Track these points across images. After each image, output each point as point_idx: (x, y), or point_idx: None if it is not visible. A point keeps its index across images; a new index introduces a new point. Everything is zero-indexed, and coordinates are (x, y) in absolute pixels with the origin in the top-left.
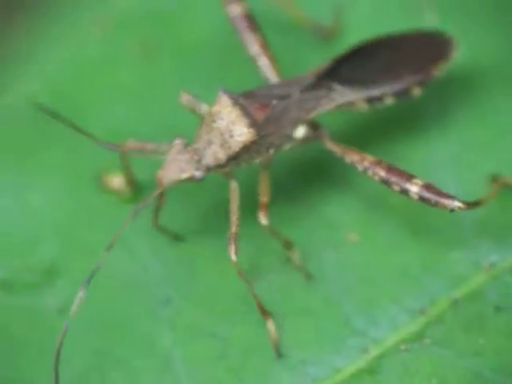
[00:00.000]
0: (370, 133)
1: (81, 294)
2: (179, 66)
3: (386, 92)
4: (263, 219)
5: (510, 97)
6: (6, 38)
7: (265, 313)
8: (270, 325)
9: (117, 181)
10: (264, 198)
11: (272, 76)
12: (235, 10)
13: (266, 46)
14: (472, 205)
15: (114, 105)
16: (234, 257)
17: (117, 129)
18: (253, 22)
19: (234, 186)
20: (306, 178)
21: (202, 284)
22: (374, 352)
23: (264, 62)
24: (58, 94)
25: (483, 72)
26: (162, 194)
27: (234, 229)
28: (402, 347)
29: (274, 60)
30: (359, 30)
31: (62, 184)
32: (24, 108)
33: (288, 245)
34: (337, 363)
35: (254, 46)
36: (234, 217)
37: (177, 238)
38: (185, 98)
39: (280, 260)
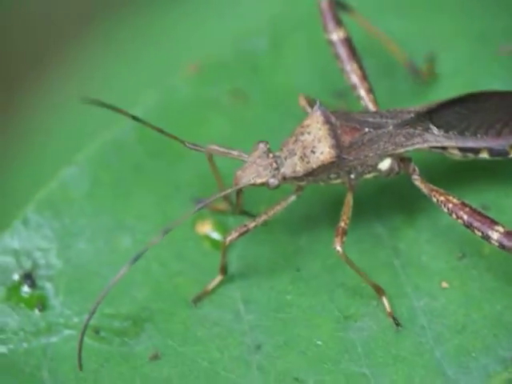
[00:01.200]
0: (460, 174)
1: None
2: (269, 115)
3: (482, 147)
4: (338, 246)
5: None
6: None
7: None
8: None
9: (208, 227)
10: (342, 223)
11: (371, 106)
12: (339, 35)
13: (365, 76)
14: None
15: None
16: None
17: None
18: (354, 49)
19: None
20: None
21: (291, 332)
22: None
23: (363, 92)
24: (147, 135)
25: None
26: (239, 193)
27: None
28: None
29: (371, 90)
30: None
31: (153, 229)
32: (116, 152)
33: (377, 289)
34: None
35: (354, 75)
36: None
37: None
38: None
39: (372, 305)
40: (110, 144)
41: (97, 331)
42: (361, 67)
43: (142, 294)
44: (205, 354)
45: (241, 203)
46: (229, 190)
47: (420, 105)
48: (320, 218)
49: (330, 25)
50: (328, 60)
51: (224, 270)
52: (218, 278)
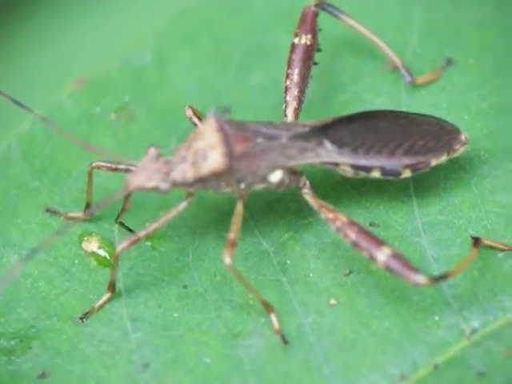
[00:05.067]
0: (349, 190)
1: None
2: (154, 131)
3: (375, 165)
4: (227, 257)
5: None
6: None
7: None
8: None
9: (95, 244)
10: (232, 234)
11: (290, 114)
12: (303, 40)
13: (302, 85)
14: (438, 279)
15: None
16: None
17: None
18: (310, 55)
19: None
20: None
21: (179, 350)
22: None
23: (290, 98)
24: (31, 152)
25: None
26: (127, 197)
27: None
28: None
29: (300, 101)
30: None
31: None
32: (1, 169)
33: (265, 305)
34: None
35: (291, 79)
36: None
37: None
38: None
39: (260, 323)
40: None
41: None
42: (303, 76)
43: (28, 311)
44: (92, 371)
45: (126, 209)
46: (118, 194)
47: (316, 119)
48: (207, 233)
49: (303, 28)
50: (214, 76)
51: (113, 285)
52: (107, 295)
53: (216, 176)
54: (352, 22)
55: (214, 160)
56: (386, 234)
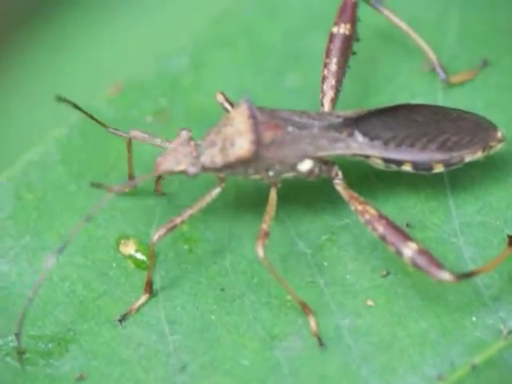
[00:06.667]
0: (388, 191)
1: (50, 262)
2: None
3: (406, 159)
4: (260, 250)
5: None
6: None
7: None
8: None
9: (132, 247)
10: (264, 225)
11: (327, 103)
12: (342, 30)
13: (339, 74)
14: (464, 276)
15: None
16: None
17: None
18: (348, 45)
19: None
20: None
21: (217, 352)
22: None
23: (327, 87)
24: (69, 156)
25: None
26: (158, 180)
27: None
28: None
29: (337, 90)
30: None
31: (77, 250)
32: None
33: (304, 307)
34: None
35: (329, 68)
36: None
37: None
38: None
39: (298, 324)
40: (33, 164)
41: (22, 353)
42: (340, 65)
43: (66, 315)
44: (130, 374)
45: (160, 190)
46: (148, 176)
47: (350, 110)
48: (245, 235)
49: (343, 17)
50: (249, 78)
51: (150, 285)
52: (144, 297)
53: (243, 163)
54: (390, 15)
55: (241, 147)
56: (423, 234)
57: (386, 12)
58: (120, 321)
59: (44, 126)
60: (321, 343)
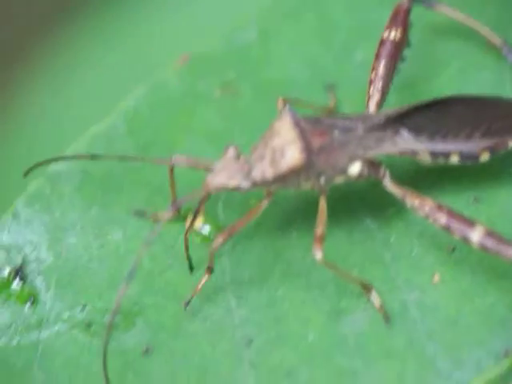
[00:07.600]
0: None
1: (122, 290)
2: (259, 107)
3: (453, 150)
4: (318, 253)
5: None
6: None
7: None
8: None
9: (199, 220)
10: (319, 230)
11: (372, 106)
12: (392, 36)
13: (387, 78)
14: None
15: (193, 144)
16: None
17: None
18: (398, 51)
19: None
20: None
21: (283, 327)
22: None
23: (374, 90)
24: (137, 128)
25: None
26: (205, 198)
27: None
28: None
29: (384, 93)
30: None
31: (144, 224)
32: (106, 145)
33: (364, 286)
34: None
35: (376, 72)
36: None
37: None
38: None
39: (364, 299)
40: (100, 137)
41: (88, 325)
42: (389, 70)
43: (132, 288)
44: (196, 348)
45: (202, 210)
46: (198, 193)
47: (391, 108)
48: (311, 212)
49: (394, 23)
50: (318, 52)
51: (211, 270)
52: (205, 278)
53: (295, 172)
54: (450, 11)
55: (293, 156)
56: (490, 210)
57: (445, 8)
58: (186, 305)
59: (110, 99)
60: (387, 319)
